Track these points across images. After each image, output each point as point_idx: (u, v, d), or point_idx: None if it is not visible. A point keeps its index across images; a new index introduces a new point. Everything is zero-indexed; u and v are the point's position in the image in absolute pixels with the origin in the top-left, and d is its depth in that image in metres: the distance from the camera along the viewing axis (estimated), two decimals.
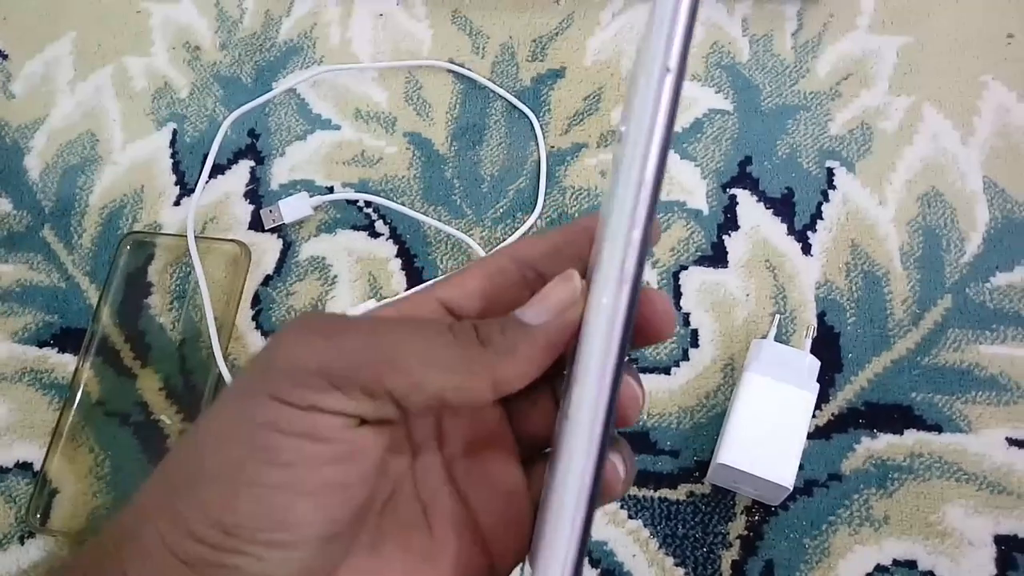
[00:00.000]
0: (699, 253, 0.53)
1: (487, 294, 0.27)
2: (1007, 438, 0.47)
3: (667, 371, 0.50)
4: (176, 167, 0.56)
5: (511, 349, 0.24)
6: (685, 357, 0.50)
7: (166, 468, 0.24)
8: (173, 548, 0.22)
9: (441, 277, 0.28)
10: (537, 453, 0.28)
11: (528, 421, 0.28)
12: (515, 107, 0.57)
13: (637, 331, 0.25)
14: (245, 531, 0.22)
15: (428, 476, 0.27)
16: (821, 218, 0.53)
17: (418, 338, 0.24)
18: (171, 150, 0.57)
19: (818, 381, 0.46)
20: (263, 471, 0.22)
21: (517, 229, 0.53)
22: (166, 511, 0.23)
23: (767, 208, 0.54)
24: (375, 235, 0.54)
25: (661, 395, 0.49)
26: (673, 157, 0.55)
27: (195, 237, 0.52)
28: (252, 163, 0.56)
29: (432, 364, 0.23)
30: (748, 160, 0.55)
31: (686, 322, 0.51)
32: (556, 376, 0.26)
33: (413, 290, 0.26)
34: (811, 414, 0.45)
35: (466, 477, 0.27)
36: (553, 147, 0.56)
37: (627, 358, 0.24)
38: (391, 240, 0.54)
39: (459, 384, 0.24)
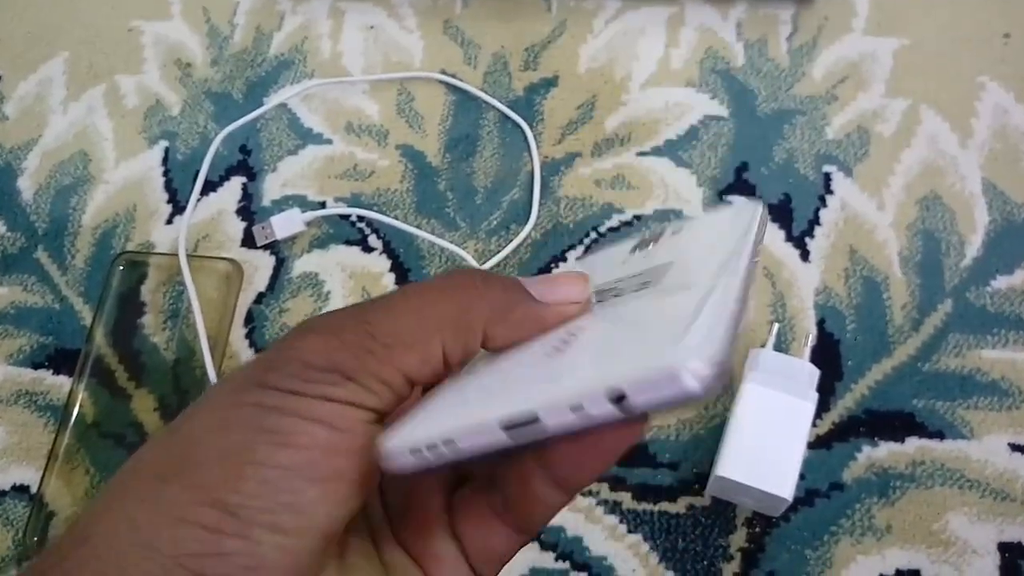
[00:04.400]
0: None
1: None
2: (1009, 444, 0.47)
3: None
4: (168, 185, 0.56)
5: (508, 309, 0.24)
6: None
7: (142, 461, 0.22)
8: (154, 540, 0.20)
9: None
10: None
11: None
12: (508, 117, 0.57)
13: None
14: (248, 512, 0.21)
15: (387, 547, 0.26)
16: (819, 224, 0.53)
17: (410, 312, 0.23)
18: (163, 168, 0.57)
19: (818, 389, 0.46)
20: (273, 452, 0.21)
21: (511, 241, 0.53)
22: (147, 500, 0.21)
23: None
24: (368, 250, 0.54)
25: None
26: (669, 165, 0.55)
27: (187, 256, 0.52)
28: (244, 179, 0.56)
29: (431, 331, 0.23)
30: (744, 166, 0.54)
31: None
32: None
33: None
34: (811, 423, 0.44)
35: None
36: (547, 157, 0.56)
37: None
38: (384, 254, 0.53)
39: (456, 339, 0.23)
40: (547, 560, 0.46)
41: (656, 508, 0.47)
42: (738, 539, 0.46)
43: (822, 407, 0.48)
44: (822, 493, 0.46)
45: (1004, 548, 0.45)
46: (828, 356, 0.49)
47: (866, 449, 0.47)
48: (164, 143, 0.58)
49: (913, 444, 0.47)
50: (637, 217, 0.53)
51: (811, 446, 0.47)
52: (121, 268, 0.53)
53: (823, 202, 0.53)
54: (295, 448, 0.21)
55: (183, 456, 0.22)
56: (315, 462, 0.21)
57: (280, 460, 0.21)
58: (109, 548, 0.21)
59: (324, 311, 0.52)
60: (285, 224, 0.53)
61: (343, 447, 0.22)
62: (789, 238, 0.52)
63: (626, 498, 0.47)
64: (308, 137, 0.57)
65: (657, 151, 0.55)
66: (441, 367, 0.23)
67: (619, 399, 0.18)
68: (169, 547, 0.20)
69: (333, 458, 0.21)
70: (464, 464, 0.26)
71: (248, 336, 0.52)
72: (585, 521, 0.47)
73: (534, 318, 0.25)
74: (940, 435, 0.47)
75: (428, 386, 0.25)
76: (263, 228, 0.54)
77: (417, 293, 0.24)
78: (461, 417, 0.21)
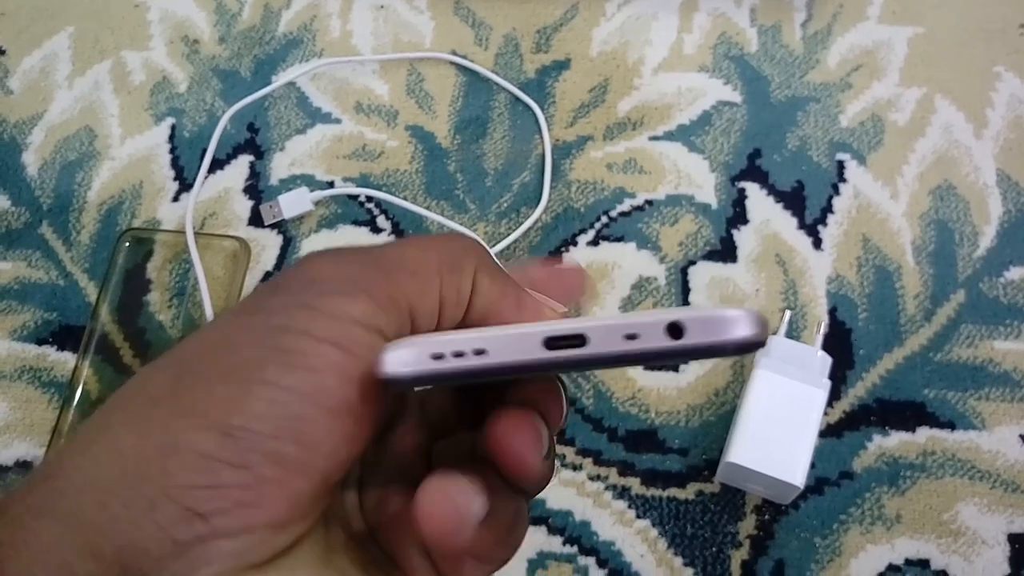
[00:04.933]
0: (708, 248, 0.52)
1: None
2: (1021, 435, 0.46)
3: (675, 368, 0.49)
4: (175, 162, 0.56)
5: (496, 270, 0.24)
6: None
7: (134, 387, 0.21)
8: (142, 470, 0.19)
9: None
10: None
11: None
12: (519, 99, 0.56)
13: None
14: (250, 436, 0.19)
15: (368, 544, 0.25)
16: (832, 212, 0.52)
17: (412, 248, 0.23)
18: (170, 145, 0.56)
19: (829, 378, 0.45)
20: (284, 372, 0.19)
21: (521, 224, 0.52)
22: (136, 426, 0.19)
23: (777, 202, 0.53)
24: (377, 230, 0.53)
25: (669, 393, 0.48)
26: (681, 150, 0.54)
27: (194, 233, 0.51)
28: (251, 158, 0.56)
29: (431, 265, 0.23)
30: (757, 153, 0.54)
31: None
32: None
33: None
34: (822, 411, 0.44)
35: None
36: (558, 140, 0.55)
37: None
38: (393, 235, 0.53)
39: (451, 279, 0.23)
40: (555, 544, 0.46)
41: (665, 494, 0.46)
42: (747, 526, 0.45)
43: (833, 395, 0.47)
44: (832, 481, 0.46)
45: (1014, 539, 0.45)
46: (840, 344, 0.49)
47: (877, 438, 0.47)
48: (171, 120, 0.57)
49: (924, 434, 0.47)
50: (649, 202, 0.53)
51: (822, 434, 0.47)
52: (127, 245, 0.52)
53: (836, 190, 0.53)
54: (307, 371, 0.20)
55: (182, 377, 0.20)
56: (327, 388, 0.20)
57: (291, 382, 0.19)
58: (88, 480, 0.19)
59: None
60: (293, 203, 0.53)
61: (354, 373, 0.20)
62: (801, 226, 0.52)
63: (635, 483, 0.47)
64: (317, 116, 0.57)
65: (669, 136, 0.55)
66: (436, 307, 0.22)
67: (677, 333, 0.20)
68: (159, 477, 0.19)
69: (345, 386, 0.20)
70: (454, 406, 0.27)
71: None
72: (593, 506, 0.46)
73: (515, 294, 0.24)
74: (951, 425, 0.47)
75: None
76: (271, 207, 0.53)
77: (418, 238, 0.24)
78: (500, 330, 0.21)
